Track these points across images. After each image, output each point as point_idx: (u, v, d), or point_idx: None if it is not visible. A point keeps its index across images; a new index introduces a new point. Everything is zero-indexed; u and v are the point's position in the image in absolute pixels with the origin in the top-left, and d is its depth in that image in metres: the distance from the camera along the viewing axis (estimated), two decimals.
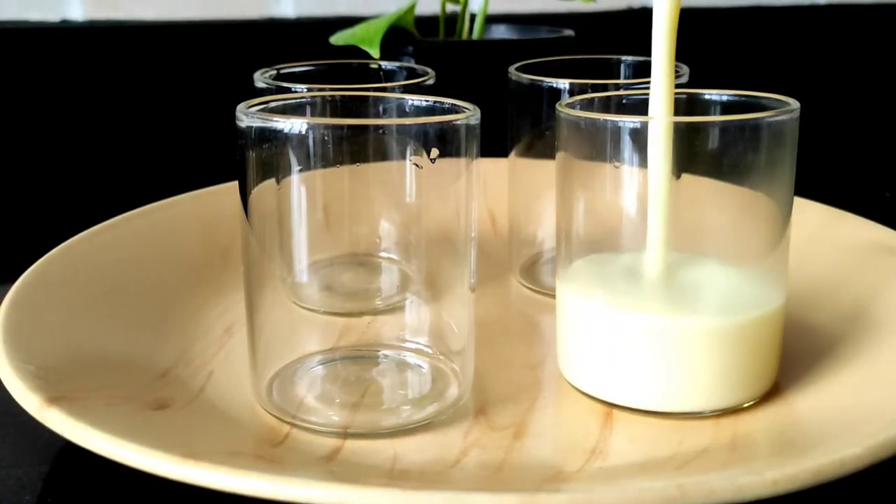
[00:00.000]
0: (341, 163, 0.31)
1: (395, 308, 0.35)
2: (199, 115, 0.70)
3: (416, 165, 0.31)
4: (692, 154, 0.32)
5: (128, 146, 0.72)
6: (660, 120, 0.32)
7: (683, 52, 0.33)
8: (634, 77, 0.45)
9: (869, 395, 0.32)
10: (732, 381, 0.32)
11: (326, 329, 0.36)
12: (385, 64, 0.48)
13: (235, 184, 0.32)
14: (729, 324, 0.32)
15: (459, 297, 0.34)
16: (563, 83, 0.42)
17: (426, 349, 0.35)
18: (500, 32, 0.67)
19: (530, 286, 0.45)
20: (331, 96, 0.36)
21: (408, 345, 0.35)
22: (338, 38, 0.59)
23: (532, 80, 0.43)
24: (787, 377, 0.34)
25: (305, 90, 0.41)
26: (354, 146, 0.31)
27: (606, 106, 0.35)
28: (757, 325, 0.32)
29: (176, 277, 0.42)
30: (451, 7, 0.64)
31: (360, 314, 0.36)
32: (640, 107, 0.34)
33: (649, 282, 0.33)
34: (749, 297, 0.33)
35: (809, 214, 0.45)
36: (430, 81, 0.42)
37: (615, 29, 0.80)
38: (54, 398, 0.29)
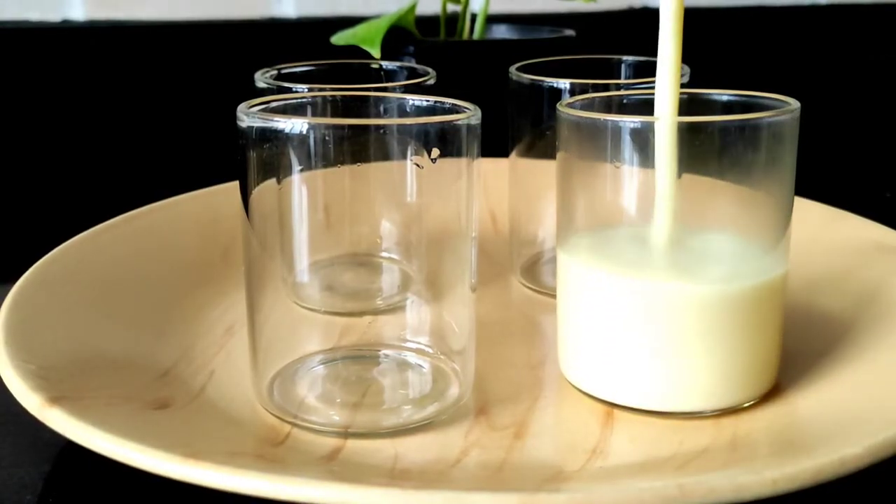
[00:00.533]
0: (342, 163, 0.31)
1: (396, 308, 0.35)
2: (200, 116, 0.70)
3: (417, 165, 0.31)
4: (693, 154, 0.32)
5: (128, 146, 0.72)
6: (664, 120, 0.32)
7: (684, 52, 0.33)
8: (635, 77, 0.45)
9: (869, 395, 0.32)
10: (733, 373, 0.32)
11: (327, 329, 0.36)
12: (386, 64, 0.48)
13: (236, 184, 0.32)
14: (730, 290, 0.32)
15: (460, 296, 0.34)
16: (564, 83, 0.42)
17: (427, 349, 0.35)
18: (501, 32, 0.67)
19: (531, 286, 0.45)
20: (332, 96, 0.36)
21: (408, 344, 0.35)
22: (339, 38, 0.59)
23: (533, 80, 0.43)
24: (787, 377, 0.34)
25: (306, 90, 0.41)
26: (355, 146, 0.31)
27: (607, 106, 0.35)
28: (758, 293, 0.32)
29: (177, 277, 0.42)
30: (451, 7, 0.64)
31: (360, 314, 0.37)
32: (641, 107, 0.34)
33: (652, 251, 0.33)
34: (752, 267, 0.33)
35: (809, 214, 0.45)
36: (431, 81, 0.42)
37: (616, 29, 0.80)
38: (55, 398, 0.29)
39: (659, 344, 0.32)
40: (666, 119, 0.32)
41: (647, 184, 0.32)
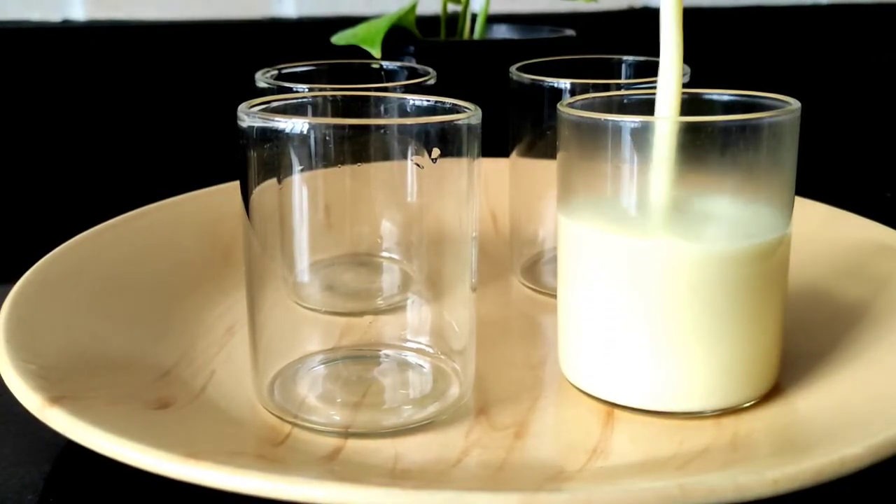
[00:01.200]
0: (343, 162, 0.31)
1: (397, 308, 0.35)
2: (200, 116, 0.70)
3: (418, 165, 0.31)
4: (693, 154, 0.32)
5: (128, 146, 0.72)
6: (665, 119, 0.32)
7: (684, 51, 0.33)
8: (636, 77, 0.46)
9: (869, 395, 0.32)
10: (733, 373, 0.32)
11: (328, 329, 0.36)
12: (386, 64, 0.48)
13: (236, 184, 0.32)
14: (729, 248, 0.31)
15: (460, 296, 0.34)
16: (565, 83, 0.42)
17: (427, 349, 0.35)
18: (502, 32, 0.67)
19: (531, 286, 0.45)
20: (332, 96, 0.36)
21: (409, 344, 0.35)
22: (339, 38, 0.59)
23: (533, 79, 0.43)
24: (787, 377, 0.34)
25: (307, 90, 0.41)
26: (356, 146, 0.31)
27: (608, 106, 0.35)
28: (758, 253, 0.32)
29: (177, 277, 0.42)
30: (452, 7, 0.64)
31: (361, 314, 0.37)
32: (642, 107, 0.34)
33: (654, 215, 0.33)
34: (751, 229, 0.32)
35: (810, 214, 0.45)
36: (432, 81, 0.42)
37: (616, 29, 0.80)
38: (56, 398, 0.29)
39: (659, 314, 0.31)
40: (667, 119, 0.32)
41: (648, 184, 0.32)
